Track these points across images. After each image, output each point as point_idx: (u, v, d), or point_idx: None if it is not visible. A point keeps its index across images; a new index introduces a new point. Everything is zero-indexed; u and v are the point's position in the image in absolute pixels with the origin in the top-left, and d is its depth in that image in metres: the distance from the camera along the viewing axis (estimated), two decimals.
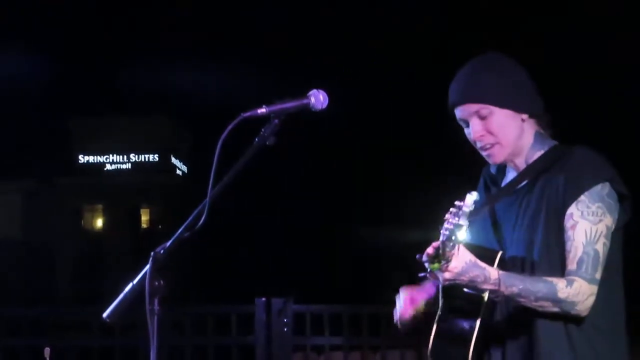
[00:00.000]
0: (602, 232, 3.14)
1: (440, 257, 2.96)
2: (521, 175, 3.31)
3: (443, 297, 3.24)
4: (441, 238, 2.97)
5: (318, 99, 3.14)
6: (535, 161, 3.29)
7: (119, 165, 57.49)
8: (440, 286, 3.20)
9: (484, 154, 3.32)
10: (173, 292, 3.02)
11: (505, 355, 3.23)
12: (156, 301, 2.92)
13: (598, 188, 3.16)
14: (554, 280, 3.09)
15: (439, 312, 3.26)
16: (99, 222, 56.56)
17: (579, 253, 3.12)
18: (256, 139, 3.05)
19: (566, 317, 3.14)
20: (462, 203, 2.96)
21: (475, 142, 3.30)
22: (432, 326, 3.27)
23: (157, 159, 56.92)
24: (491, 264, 3.12)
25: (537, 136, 3.31)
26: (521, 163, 3.32)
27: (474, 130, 3.28)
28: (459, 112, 3.31)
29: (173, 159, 57.59)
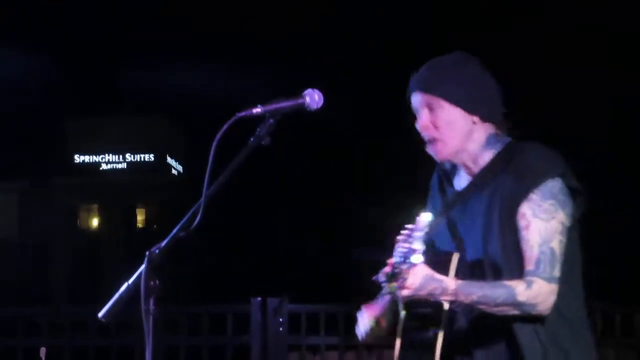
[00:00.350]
0: (556, 229, 3.11)
1: (397, 275, 2.96)
2: (474, 182, 3.27)
3: (404, 309, 3.22)
4: (395, 259, 2.97)
5: (313, 98, 3.14)
6: (488, 165, 3.24)
7: (114, 165, 57.40)
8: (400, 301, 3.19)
9: (428, 148, 3.29)
10: (168, 291, 3.02)
11: None
12: (151, 301, 2.92)
13: (549, 185, 3.12)
14: (513, 284, 3.07)
15: (401, 324, 3.24)
16: (95, 222, 56.49)
17: (535, 253, 3.09)
18: (251, 139, 3.05)
19: (532, 318, 3.11)
20: (414, 226, 2.96)
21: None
22: (396, 339, 3.26)
23: (152, 158, 56.85)
24: (448, 267, 3.11)
25: (490, 138, 3.26)
26: (471, 164, 3.28)
27: (420, 121, 3.27)
28: (413, 100, 3.29)
29: (169, 159, 57.52)
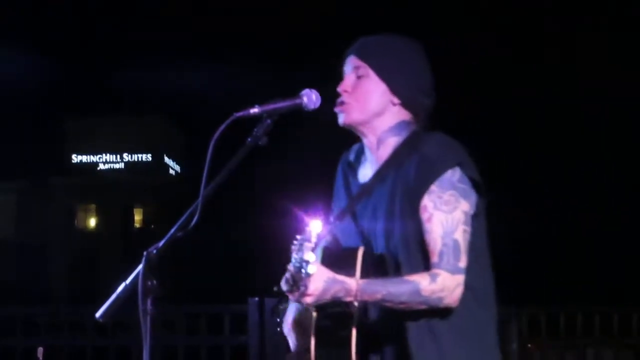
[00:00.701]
0: (459, 219, 3.06)
1: (298, 283, 2.91)
2: (378, 174, 3.22)
3: (315, 310, 3.17)
4: (291, 269, 2.91)
5: (311, 98, 3.14)
6: (391, 155, 3.19)
7: (112, 165, 57.44)
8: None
9: (336, 109, 3.24)
10: (166, 291, 3.02)
11: (383, 358, 3.16)
12: (149, 301, 2.92)
13: (448, 175, 3.08)
14: (417, 278, 3.02)
15: (314, 324, 3.19)
16: (92, 222, 56.51)
17: (439, 246, 3.04)
18: (249, 139, 3.06)
19: (432, 313, 3.06)
20: (303, 237, 2.89)
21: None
22: (311, 338, 3.20)
23: (150, 158, 56.89)
24: (354, 263, 3.06)
25: (402, 124, 3.22)
26: (374, 146, 3.23)
27: (343, 82, 3.23)
28: (346, 63, 3.26)
29: (166, 159, 57.56)
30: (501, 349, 3.23)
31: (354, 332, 3.07)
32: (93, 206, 56.00)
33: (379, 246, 3.17)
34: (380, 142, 3.23)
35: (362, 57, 3.23)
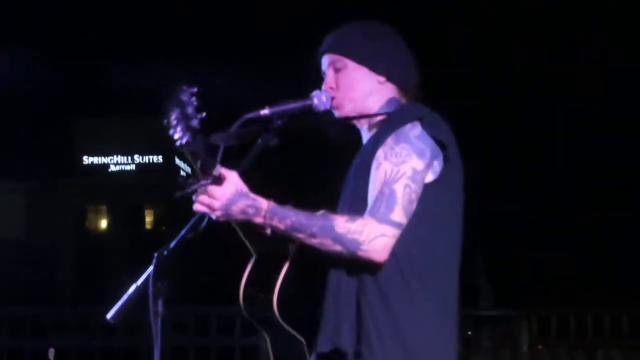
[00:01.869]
0: (404, 172, 2.89)
1: (202, 175, 2.80)
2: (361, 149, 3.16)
3: (253, 250, 3.09)
4: (201, 163, 2.82)
5: (321, 100, 3.15)
6: (378, 129, 3.10)
7: (123, 167, 57.45)
8: (244, 237, 3.05)
9: (331, 107, 3.19)
10: (176, 293, 3.02)
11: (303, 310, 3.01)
12: (160, 302, 2.93)
13: (406, 129, 2.96)
14: (334, 215, 2.90)
15: (250, 263, 3.11)
16: (103, 223, 56.54)
17: (375, 193, 2.90)
18: (259, 140, 3.06)
19: (359, 267, 2.88)
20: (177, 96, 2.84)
21: None
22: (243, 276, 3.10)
23: (161, 160, 56.89)
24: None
25: (391, 101, 3.15)
26: (365, 125, 3.19)
27: (325, 81, 3.19)
28: (322, 62, 3.24)
29: (177, 160, 57.58)
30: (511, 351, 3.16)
31: (283, 268, 2.98)
32: (104, 207, 56.03)
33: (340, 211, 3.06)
34: (371, 123, 3.18)
35: (333, 51, 3.20)
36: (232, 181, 2.88)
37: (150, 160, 57.24)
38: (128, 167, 57.50)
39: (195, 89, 2.87)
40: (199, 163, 2.84)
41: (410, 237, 2.89)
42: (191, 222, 3.00)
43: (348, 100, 3.16)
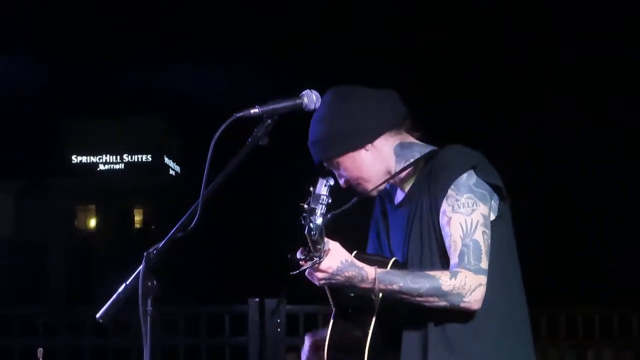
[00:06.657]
0: (478, 221, 3.04)
1: (312, 252, 2.87)
2: (405, 197, 3.26)
3: (334, 305, 3.17)
4: (310, 236, 2.86)
5: (311, 98, 3.14)
6: (415, 182, 3.22)
7: (112, 166, 57.39)
8: (329, 294, 3.15)
9: (362, 193, 3.29)
10: (166, 292, 3.01)
11: None
12: (149, 301, 2.92)
13: (463, 178, 3.08)
14: (437, 273, 2.99)
15: (331, 320, 3.19)
16: (92, 222, 56.48)
17: (459, 247, 3.02)
18: (249, 139, 3.05)
19: (454, 315, 3.03)
20: (314, 198, 2.86)
21: None
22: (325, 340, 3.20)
23: (150, 159, 56.84)
24: (384, 267, 3.05)
25: (397, 149, 3.25)
26: (395, 179, 3.27)
27: (340, 183, 3.28)
28: (328, 168, 3.31)
29: (166, 159, 57.52)
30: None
31: (370, 331, 3.05)
32: (92, 207, 55.98)
33: (412, 264, 3.16)
34: (400, 179, 3.28)
35: (325, 158, 3.26)
36: (337, 252, 2.97)
37: (140, 160, 57.18)
38: (117, 167, 57.43)
39: (332, 182, 2.91)
40: (310, 240, 2.87)
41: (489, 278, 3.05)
42: (181, 222, 3.00)
43: (366, 181, 3.25)
